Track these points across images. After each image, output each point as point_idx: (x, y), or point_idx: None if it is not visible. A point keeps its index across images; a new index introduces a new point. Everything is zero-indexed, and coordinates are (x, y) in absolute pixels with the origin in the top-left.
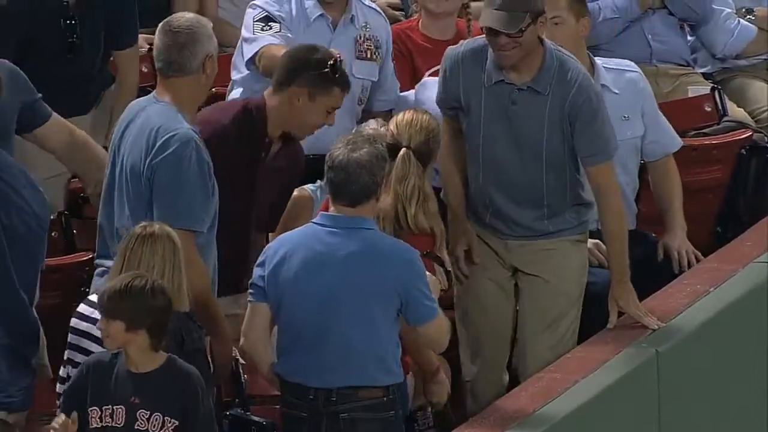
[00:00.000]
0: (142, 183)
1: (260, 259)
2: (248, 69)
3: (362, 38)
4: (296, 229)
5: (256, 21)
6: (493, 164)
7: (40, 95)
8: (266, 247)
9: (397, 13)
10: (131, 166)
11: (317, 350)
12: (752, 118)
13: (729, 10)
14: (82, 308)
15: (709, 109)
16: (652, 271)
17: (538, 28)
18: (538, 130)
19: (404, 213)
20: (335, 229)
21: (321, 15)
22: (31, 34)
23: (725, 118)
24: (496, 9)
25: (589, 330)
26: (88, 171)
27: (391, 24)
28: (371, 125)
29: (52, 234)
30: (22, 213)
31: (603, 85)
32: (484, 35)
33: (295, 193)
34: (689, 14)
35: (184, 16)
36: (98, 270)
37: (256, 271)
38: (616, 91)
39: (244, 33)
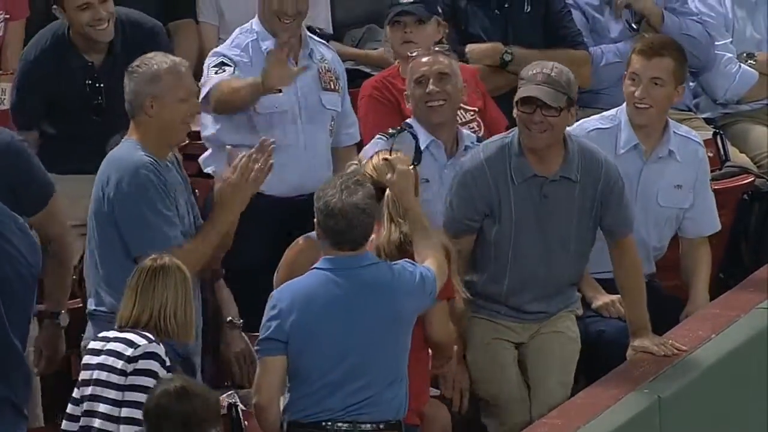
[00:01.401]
0: (104, 220)
1: (272, 312)
2: (204, 110)
3: (323, 71)
4: (301, 278)
5: (211, 67)
6: (520, 263)
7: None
8: (274, 299)
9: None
10: (93, 206)
11: (345, 389)
12: (754, 163)
13: (730, 55)
14: (93, 344)
15: (710, 155)
16: (656, 317)
17: (569, 116)
18: (568, 219)
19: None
20: (344, 271)
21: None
22: (58, 94)
23: (727, 164)
24: (537, 84)
25: (596, 377)
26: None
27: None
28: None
29: None
30: (13, 260)
31: (670, 151)
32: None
33: (301, 241)
34: (691, 60)
35: (142, 59)
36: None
37: (269, 325)
38: (679, 160)
39: (201, 82)
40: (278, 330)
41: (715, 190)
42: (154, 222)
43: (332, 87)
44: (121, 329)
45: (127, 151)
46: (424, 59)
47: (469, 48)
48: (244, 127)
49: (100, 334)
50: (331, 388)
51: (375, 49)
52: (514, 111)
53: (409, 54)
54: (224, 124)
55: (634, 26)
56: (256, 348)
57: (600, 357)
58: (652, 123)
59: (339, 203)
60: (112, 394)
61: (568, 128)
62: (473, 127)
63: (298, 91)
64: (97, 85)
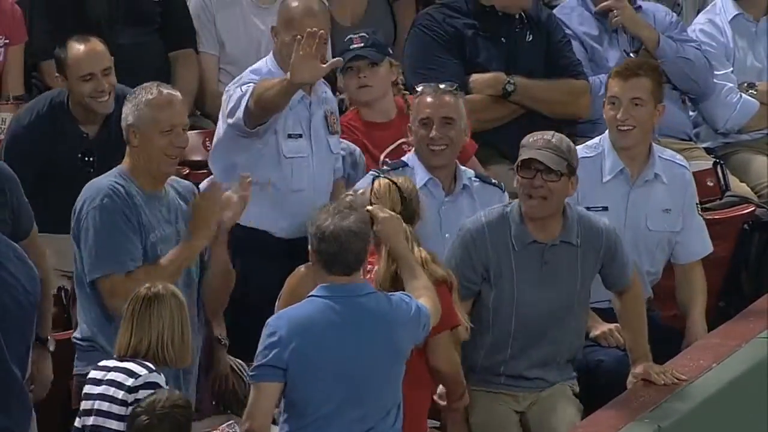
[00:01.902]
0: (75, 245)
1: (270, 339)
2: (245, 123)
3: (329, 113)
4: (299, 305)
5: (242, 86)
6: (523, 330)
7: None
8: (271, 326)
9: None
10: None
11: (342, 420)
12: (754, 192)
13: (731, 85)
14: (94, 374)
15: (711, 184)
16: (656, 346)
17: (570, 185)
18: (572, 284)
19: None
20: (342, 299)
21: (302, 98)
22: (50, 162)
23: (728, 193)
24: (537, 149)
25: (595, 406)
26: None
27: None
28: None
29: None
30: (11, 289)
31: (656, 174)
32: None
33: (303, 268)
34: (692, 87)
35: (135, 89)
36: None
37: (267, 352)
38: (666, 182)
39: (230, 105)
40: (277, 357)
41: (715, 220)
42: (106, 246)
43: (335, 129)
44: (121, 359)
45: (102, 177)
46: (429, 99)
47: (472, 78)
48: (269, 166)
49: (100, 363)
50: (327, 419)
51: None
52: (515, 180)
53: (416, 88)
54: (252, 158)
55: (632, 55)
56: (251, 374)
57: (599, 386)
58: (636, 144)
59: (331, 226)
60: (114, 424)
61: None
62: None
63: (312, 137)
64: (89, 158)
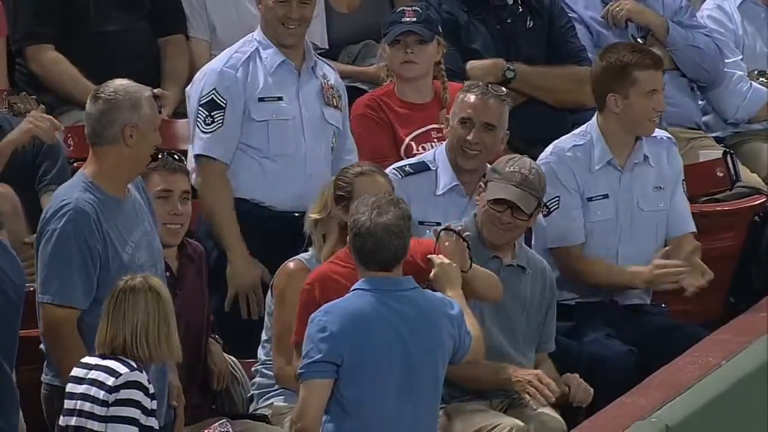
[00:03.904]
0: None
1: (320, 335)
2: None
3: (326, 86)
4: (345, 299)
5: (201, 105)
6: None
7: None
8: (319, 321)
9: None
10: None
11: (400, 415)
12: (765, 183)
13: (741, 73)
14: (76, 371)
15: (721, 174)
16: (663, 342)
17: (533, 219)
18: (521, 312)
19: None
20: (389, 294)
21: (283, 62)
22: None
23: (738, 184)
24: (514, 185)
25: (599, 405)
26: None
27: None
28: None
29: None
30: None
31: (645, 156)
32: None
33: (291, 264)
34: (701, 75)
35: (112, 84)
36: None
37: (323, 347)
38: (653, 165)
39: (190, 117)
40: (332, 352)
41: (725, 211)
42: (56, 276)
43: (334, 104)
44: (103, 356)
45: (71, 187)
46: (473, 98)
47: (470, 65)
48: (245, 131)
49: (82, 360)
50: (378, 419)
51: (371, 65)
52: (482, 203)
53: (464, 82)
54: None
55: (640, 40)
56: (300, 371)
57: (602, 384)
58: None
59: (368, 222)
60: (96, 425)
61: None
62: None
63: (301, 102)
64: None
